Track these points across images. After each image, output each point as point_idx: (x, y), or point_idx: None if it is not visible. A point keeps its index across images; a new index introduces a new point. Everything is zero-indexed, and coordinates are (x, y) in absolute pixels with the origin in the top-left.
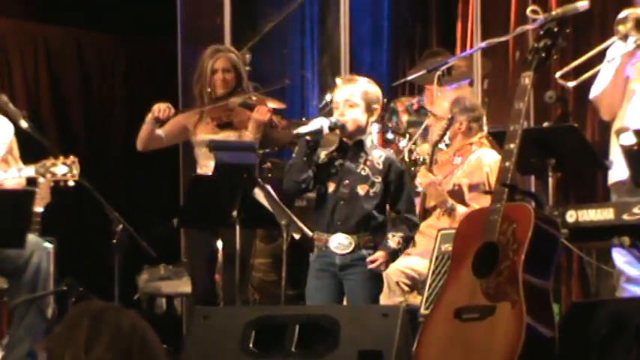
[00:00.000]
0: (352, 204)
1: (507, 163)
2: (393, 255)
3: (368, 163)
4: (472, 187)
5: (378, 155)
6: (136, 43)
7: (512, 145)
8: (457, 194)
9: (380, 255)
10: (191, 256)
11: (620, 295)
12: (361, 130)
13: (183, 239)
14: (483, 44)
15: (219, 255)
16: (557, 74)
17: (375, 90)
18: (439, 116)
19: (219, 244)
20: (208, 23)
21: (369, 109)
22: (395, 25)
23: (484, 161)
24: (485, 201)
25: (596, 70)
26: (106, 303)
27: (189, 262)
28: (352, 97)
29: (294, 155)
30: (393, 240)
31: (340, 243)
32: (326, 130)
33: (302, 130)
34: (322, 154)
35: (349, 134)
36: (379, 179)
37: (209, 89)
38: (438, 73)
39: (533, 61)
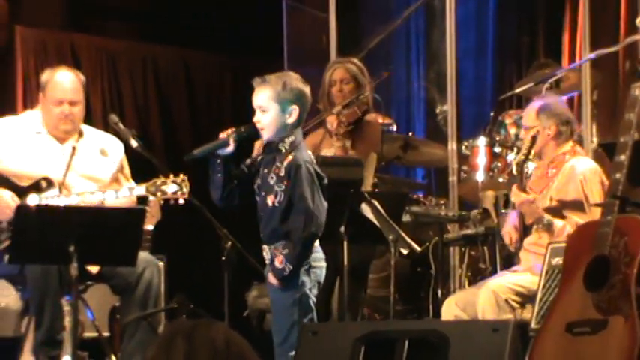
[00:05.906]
0: (266, 215)
1: (618, 175)
2: (280, 274)
3: (276, 170)
4: (568, 204)
5: (286, 161)
6: (243, 63)
7: (622, 157)
8: (555, 209)
9: (270, 277)
10: None
11: None
12: (279, 133)
13: None
14: (592, 55)
15: None
16: None
17: (292, 88)
18: (528, 126)
19: None
20: (314, 42)
21: (285, 110)
22: (500, 37)
23: (577, 171)
24: (582, 214)
25: None
26: (195, 319)
27: None
28: (263, 102)
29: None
30: (278, 259)
31: (264, 255)
32: (230, 145)
33: (195, 152)
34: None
35: (267, 140)
36: (282, 187)
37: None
38: (546, 85)
39: None
